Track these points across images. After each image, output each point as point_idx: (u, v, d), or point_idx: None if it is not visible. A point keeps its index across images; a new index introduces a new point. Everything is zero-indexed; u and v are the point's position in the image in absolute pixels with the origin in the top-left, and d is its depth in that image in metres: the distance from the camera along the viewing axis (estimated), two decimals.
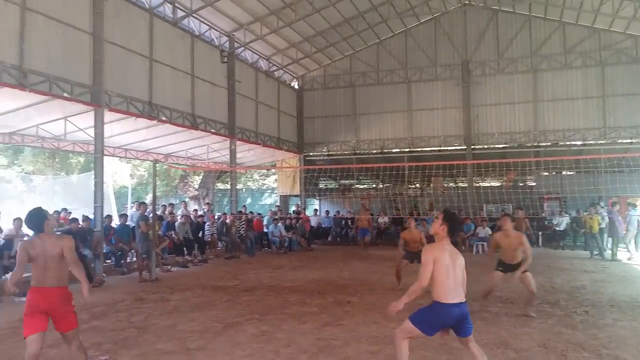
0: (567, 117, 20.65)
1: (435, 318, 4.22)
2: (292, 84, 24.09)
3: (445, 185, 23.69)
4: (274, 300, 8.53)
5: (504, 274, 7.42)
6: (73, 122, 12.84)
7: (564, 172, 21.30)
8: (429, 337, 4.37)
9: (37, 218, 4.60)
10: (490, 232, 15.72)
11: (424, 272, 4.18)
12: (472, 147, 21.56)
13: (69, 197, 19.90)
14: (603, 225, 15.19)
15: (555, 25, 20.82)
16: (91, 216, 12.29)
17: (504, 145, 21.50)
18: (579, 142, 20.46)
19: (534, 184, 21.63)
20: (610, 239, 15.09)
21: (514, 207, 18.93)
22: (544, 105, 20.99)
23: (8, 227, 11.12)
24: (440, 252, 4.23)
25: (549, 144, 20.94)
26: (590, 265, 13.09)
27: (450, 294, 4.15)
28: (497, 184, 23.40)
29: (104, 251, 12.04)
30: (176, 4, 15.33)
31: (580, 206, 17.58)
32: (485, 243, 16.13)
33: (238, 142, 18.67)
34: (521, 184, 21.53)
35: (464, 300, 4.22)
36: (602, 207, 16.10)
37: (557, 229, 18.22)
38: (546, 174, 21.86)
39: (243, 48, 19.18)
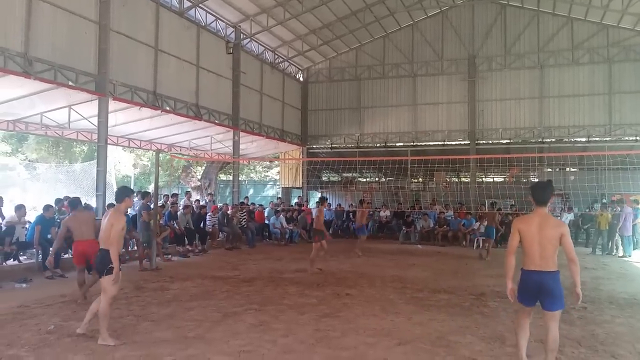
0: (573, 114, 20.56)
1: (520, 285, 4.64)
2: (297, 76, 24.05)
3: (448, 179, 23.65)
4: (273, 291, 8.56)
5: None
6: (77, 111, 12.90)
7: (567, 169, 21.21)
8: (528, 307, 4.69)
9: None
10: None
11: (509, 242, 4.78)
12: (476, 142, 21.52)
13: (71, 185, 20.03)
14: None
15: (563, 21, 20.67)
16: (93, 204, 12.33)
17: (508, 141, 21.45)
18: (583, 139, 20.37)
19: (537, 180, 21.54)
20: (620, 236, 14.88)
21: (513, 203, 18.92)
22: (550, 102, 20.90)
23: (10, 214, 11.15)
24: (524, 224, 4.69)
25: (553, 140, 20.88)
26: (590, 262, 13.06)
27: (532, 262, 4.52)
28: (500, 179, 23.33)
29: None
30: None
31: (582, 203, 17.46)
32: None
33: (241, 134, 18.69)
34: (524, 180, 21.48)
35: (548, 269, 4.50)
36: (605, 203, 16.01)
37: None
38: (549, 170, 21.79)
39: (249, 39, 19.15)
